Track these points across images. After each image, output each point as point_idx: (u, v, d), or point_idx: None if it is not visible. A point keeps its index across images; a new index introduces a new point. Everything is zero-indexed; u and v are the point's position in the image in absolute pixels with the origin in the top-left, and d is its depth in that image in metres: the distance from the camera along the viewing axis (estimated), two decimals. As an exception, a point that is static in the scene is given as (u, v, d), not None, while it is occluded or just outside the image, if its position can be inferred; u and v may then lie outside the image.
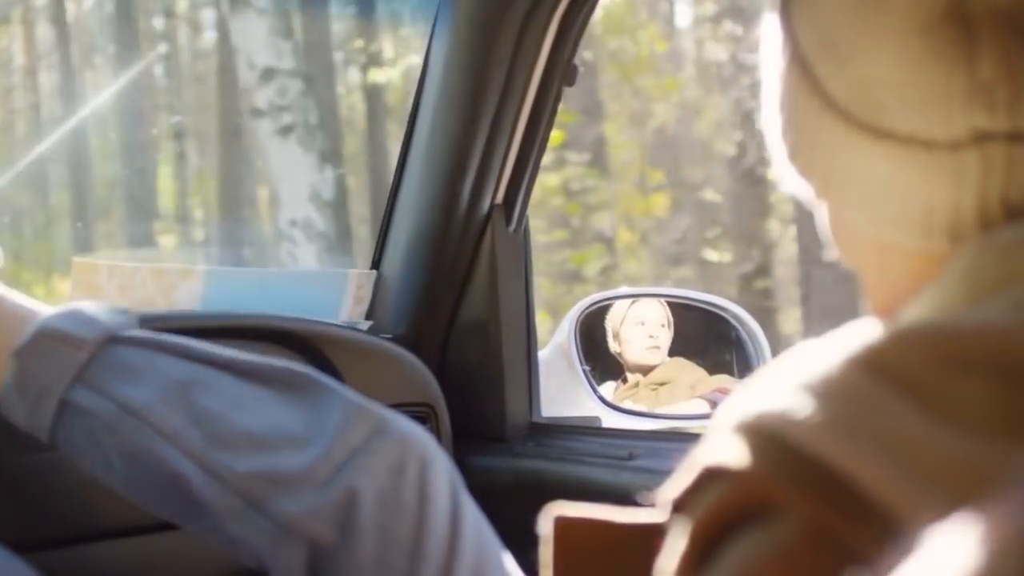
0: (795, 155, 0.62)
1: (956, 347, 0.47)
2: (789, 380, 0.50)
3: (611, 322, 1.91)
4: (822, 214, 0.65)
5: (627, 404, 1.83)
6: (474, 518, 1.00)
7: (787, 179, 0.64)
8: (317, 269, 1.44)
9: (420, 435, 1.00)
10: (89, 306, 1.04)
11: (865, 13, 0.56)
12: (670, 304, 1.91)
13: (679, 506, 0.51)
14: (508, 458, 1.49)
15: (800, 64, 0.59)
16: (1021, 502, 0.35)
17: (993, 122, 0.53)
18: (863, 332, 0.50)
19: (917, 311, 0.54)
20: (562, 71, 1.46)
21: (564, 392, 1.74)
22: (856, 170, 0.57)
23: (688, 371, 1.91)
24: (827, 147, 0.59)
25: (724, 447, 0.49)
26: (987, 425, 0.44)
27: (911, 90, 0.54)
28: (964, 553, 0.36)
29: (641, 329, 1.89)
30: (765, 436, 0.48)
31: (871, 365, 0.48)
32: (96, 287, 1.41)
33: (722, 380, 1.88)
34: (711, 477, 0.50)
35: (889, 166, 0.56)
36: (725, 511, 0.48)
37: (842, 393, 0.48)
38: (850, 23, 0.57)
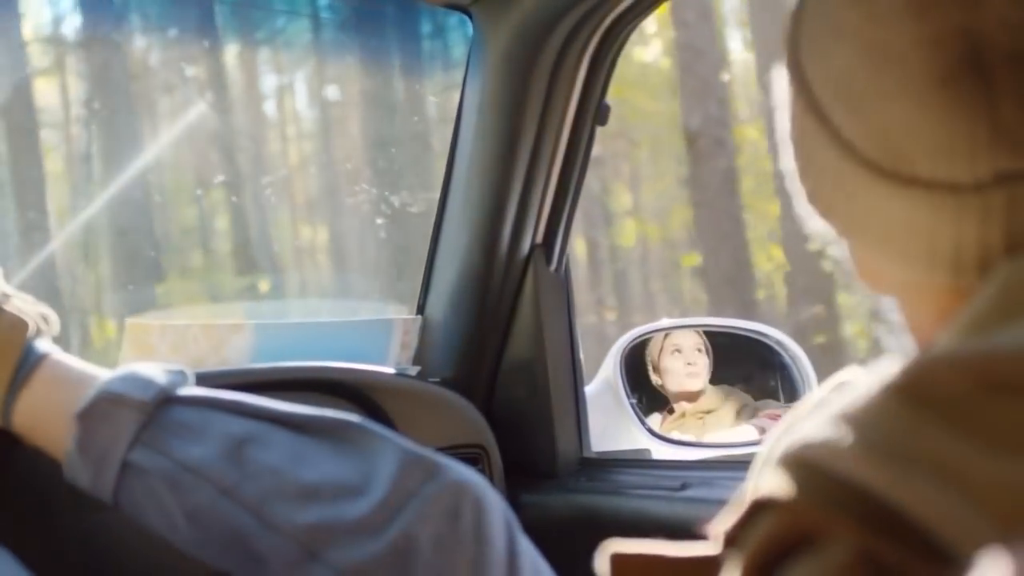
0: (815, 198, 0.63)
1: (993, 371, 0.48)
2: (831, 410, 0.51)
3: (650, 355, 1.93)
4: (844, 250, 0.67)
5: (675, 435, 1.84)
6: (531, 558, 1.01)
7: (808, 218, 0.66)
8: (363, 318, 1.46)
9: (474, 479, 1.01)
10: (145, 367, 1.07)
11: (881, 65, 0.57)
12: (712, 334, 1.92)
13: (731, 539, 0.53)
14: (560, 494, 1.50)
15: (816, 112, 0.61)
16: None
17: (1017, 162, 0.54)
18: (900, 360, 0.52)
19: (950, 337, 0.55)
20: (594, 111, 1.49)
21: (613, 426, 1.75)
22: (879, 214, 0.59)
23: (734, 398, 1.92)
24: (848, 192, 0.60)
25: (771, 480, 0.51)
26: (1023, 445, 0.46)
27: (933, 137, 0.55)
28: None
29: (678, 356, 1.91)
30: (810, 467, 0.49)
31: (910, 392, 0.49)
32: (149, 347, 1.44)
33: (769, 406, 1.89)
34: (760, 510, 0.51)
35: (912, 210, 0.57)
36: (775, 543, 0.50)
37: (881, 421, 0.49)
38: (866, 75, 0.58)
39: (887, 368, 0.52)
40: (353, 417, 1.04)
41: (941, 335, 0.56)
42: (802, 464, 0.50)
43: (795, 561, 0.49)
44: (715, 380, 1.93)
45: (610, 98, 1.48)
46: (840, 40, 0.59)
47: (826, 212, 0.63)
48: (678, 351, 1.91)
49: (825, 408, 0.52)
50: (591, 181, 9.70)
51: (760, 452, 0.58)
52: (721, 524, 0.54)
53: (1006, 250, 0.55)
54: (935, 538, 0.44)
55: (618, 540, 0.64)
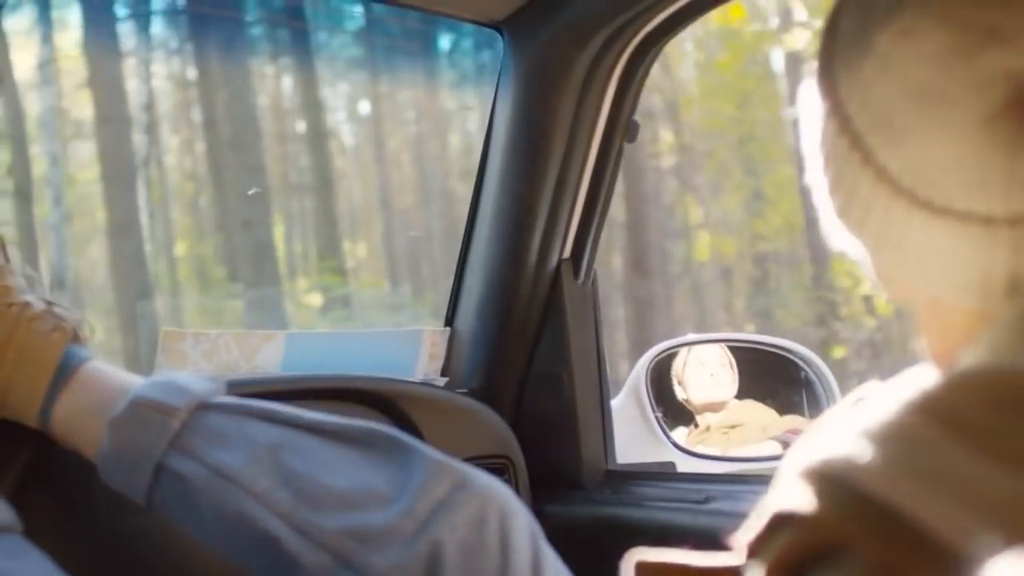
0: (845, 214, 0.64)
1: (1013, 391, 0.50)
2: (852, 426, 0.53)
3: (675, 370, 1.94)
4: (871, 265, 0.68)
5: (700, 448, 1.85)
6: (555, 568, 1.02)
7: (835, 233, 0.67)
8: (393, 329, 1.48)
9: (500, 488, 1.03)
10: (180, 375, 1.09)
11: (925, 102, 0.58)
12: (737, 349, 1.93)
13: (753, 551, 0.54)
14: (586, 505, 1.52)
15: (850, 136, 0.62)
16: None
17: None
18: (921, 378, 0.53)
19: (973, 357, 0.56)
20: (623, 127, 1.50)
21: (639, 439, 1.76)
22: (910, 238, 0.60)
23: (759, 413, 1.92)
24: (880, 215, 0.61)
25: (793, 493, 0.52)
26: None
27: (971, 173, 0.57)
28: None
29: (702, 370, 1.92)
30: (831, 481, 0.51)
31: (930, 411, 0.50)
32: (183, 354, 1.46)
33: (794, 421, 1.89)
34: (781, 522, 0.52)
35: (945, 237, 0.58)
36: (796, 554, 0.51)
37: (903, 438, 0.50)
38: (907, 109, 0.59)
39: (907, 385, 0.53)
40: (382, 426, 1.06)
41: (965, 356, 0.57)
42: (824, 478, 0.51)
43: (815, 574, 0.50)
44: (741, 395, 1.93)
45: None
46: (884, 73, 0.60)
47: (856, 229, 0.64)
48: (703, 364, 1.92)
49: (846, 423, 0.53)
50: (665, 192, 9.65)
51: (782, 466, 0.59)
52: (744, 535, 0.55)
53: None
54: (954, 554, 0.45)
55: (642, 549, 0.66)
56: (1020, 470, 0.47)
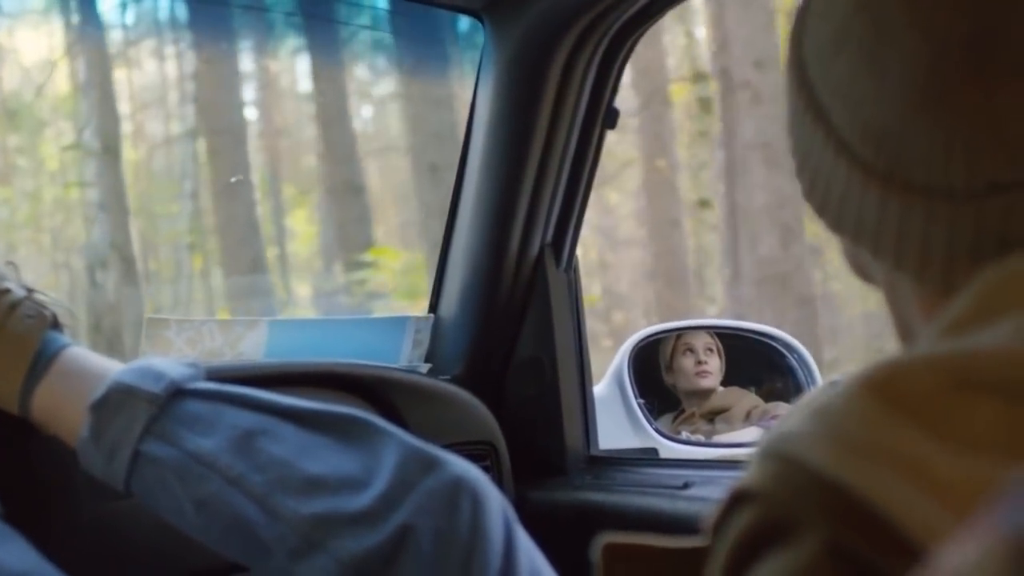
0: (810, 195, 0.65)
1: (965, 372, 0.50)
2: (808, 405, 0.53)
3: (662, 355, 1.95)
4: (839, 244, 0.68)
5: (684, 435, 1.86)
6: (528, 552, 1.03)
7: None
8: (377, 316, 1.48)
9: (473, 473, 1.03)
10: (158, 361, 1.10)
11: (883, 72, 0.58)
12: (722, 335, 1.94)
13: (715, 529, 0.55)
14: (568, 491, 1.52)
15: (815, 111, 0.62)
16: (1004, 511, 0.38)
17: (1015, 173, 0.55)
18: (876, 360, 0.53)
19: (929, 336, 0.56)
20: (603, 114, 1.51)
21: (622, 425, 1.77)
22: (871, 214, 0.60)
23: (744, 400, 1.93)
24: (841, 191, 0.61)
25: (750, 471, 0.53)
26: (993, 444, 0.47)
27: (931, 145, 0.56)
28: (955, 562, 0.39)
29: (690, 356, 1.93)
30: (784, 459, 0.51)
31: (882, 389, 0.51)
32: (167, 341, 1.46)
33: (778, 407, 1.90)
34: (740, 500, 0.53)
35: (905, 213, 0.58)
36: (753, 532, 0.52)
37: (854, 417, 0.51)
38: (867, 80, 0.59)
39: (863, 368, 0.53)
40: (358, 412, 1.07)
41: (921, 335, 0.58)
42: (777, 456, 0.52)
43: (770, 551, 0.50)
44: (726, 381, 1.94)
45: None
46: (844, 44, 0.60)
47: (819, 209, 0.64)
48: (690, 350, 1.93)
49: (806, 406, 0.54)
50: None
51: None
52: (710, 516, 0.56)
53: (996, 255, 0.56)
54: (901, 531, 0.46)
55: (612, 533, 0.66)
56: (971, 450, 0.47)
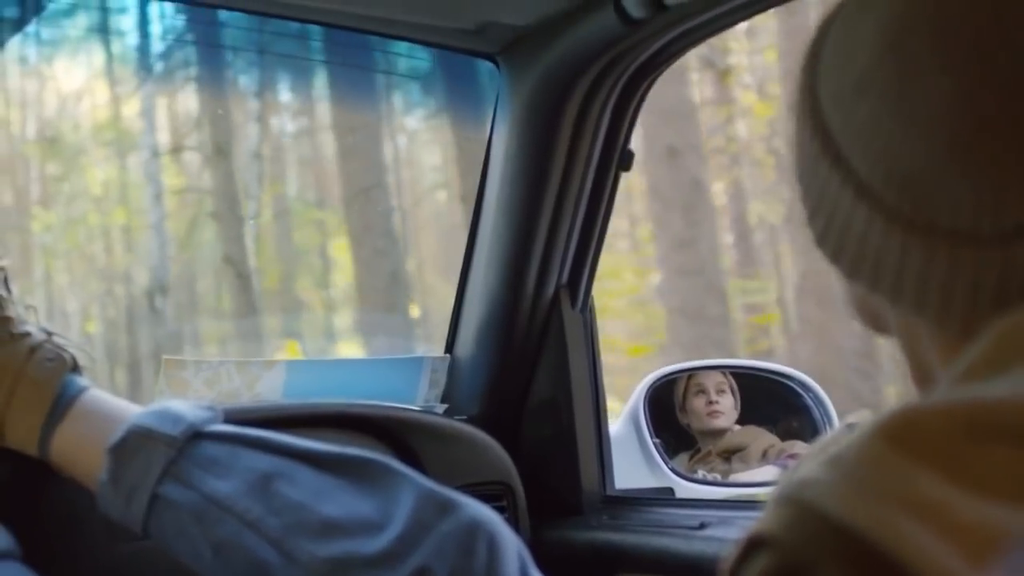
0: (824, 240, 0.65)
1: (980, 420, 0.50)
2: (825, 451, 0.54)
3: (676, 396, 1.95)
4: (847, 291, 0.68)
5: (701, 474, 1.86)
6: None
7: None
8: (394, 356, 1.49)
9: (488, 516, 1.04)
10: (176, 403, 1.10)
11: (911, 119, 0.58)
12: (737, 375, 1.94)
13: (731, 574, 0.55)
14: (583, 531, 1.52)
15: (833, 155, 0.62)
16: (1008, 563, 0.39)
17: None
18: (892, 407, 0.54)
19: (945, 383, 0.57)
20: (619, 156, 1.52)
21: (638, 465, 1.77)
22: (891, 258, 0.60)
23: (761, 438, 1.93)
24: (859, 235, 0.61)
25: (766, 517, 0.53)
26: (1007, 490, 0.48)
27: (958, 189, 0.56)
28: None
29: (702, 396, 1.92)
30: (801, 506, 0.52)
31: (899, 437, 0.51)
32: (184, 383, 1.47)
33: (794, 446, 1.89)
34: (755, 546, 0.54)
35: (929, 257, 0.58)
36: None
37: (870, 464, 0.51)
38: (893, 126, 0.59)
39: (881, 415, 0.54)
40: (373, 454, 1.07)
41: (938, 382, 0.58)
42: (793, 503, 0.52)
43: None
44: (742, 420, 1.94)
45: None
46: (868, 90, 0.60)
47: (834, 255, 0.64)
48: (702, 391, 1.93)
49: (823, 451, 0.54)
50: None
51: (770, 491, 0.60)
52: (726, 560, 0.56)
53: (1019, 300, 0.56)
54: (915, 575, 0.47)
55: (627, 575, 0.67)
56: (986, 495, 0.48)
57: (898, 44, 0.60)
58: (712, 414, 1.91)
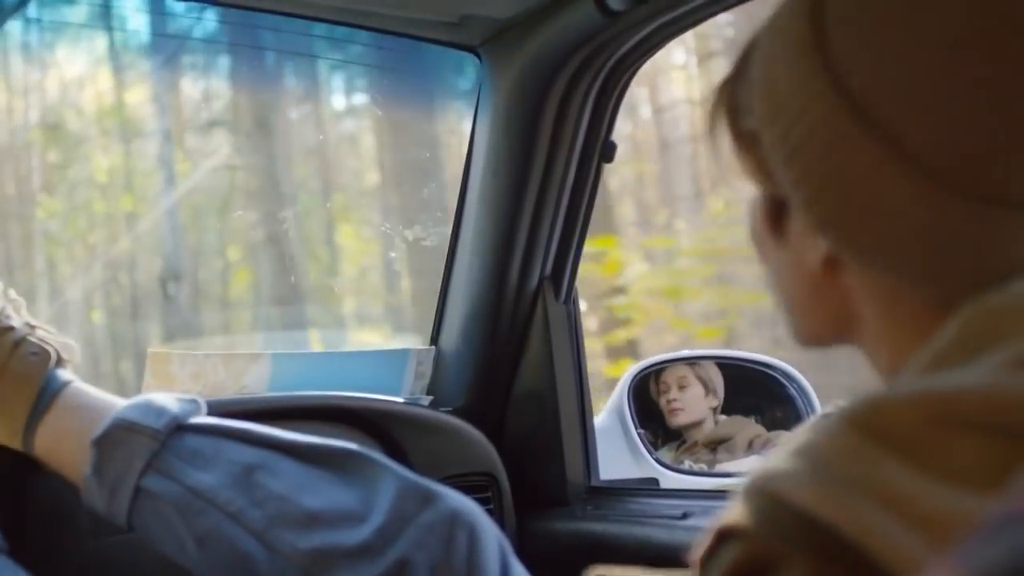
0: (816, 202, 0.61)
1: (948, 407, 0.51)
2: (793, 441, 0.54)
3: (653, 388, 1.94)
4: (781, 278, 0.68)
5: (687, 464, 1.86)
6: None
7: (759, 241, 0.67)
8: (379, 349, 1.49)
9: (469, 507, 1.04)
10: (160, 396, 1.11)
11: (953, 74, 0.56)
12: (721, 366, 1.94)
13: (701, 566, 0.56)
14: (568, 521, 1.53)
15: (862, 118, 0.58)
16: (967, 550, 0.39)
17: None
18: (859, 396, 0.54)
19: (914, 370, 0.57)
20: (600, 148, 1.52)
21: (623, 455, 1.78)
22: (913, 223, 0.58)
23: (747, 428, 1.93)
24: (872, 197, 0.59)
25: (735, 509, 0.54)
26: (974, 479, 0.48)
27: (993, 151, 0.56)
28: None
29: (666, 395, 1.92)
30: (767, 496, 0.52)
31: (864, 426, 0.52)
32: (170, 375, 1.47)
33: (780, 436, 1.90)
34: (724, 538, 0.54)
35: (971, 225, 0.57)
36: (738, 569, 0.52)
37: (835, 453, 0.52)
38: (952, 98, 0.56)
39: (846, 401, 0.54)
40: (355, 446, 1.08)
41: (906, 369, 0.58)
42: (761, 494, 0.53)
43: None
44: (727, 410, 1.94)
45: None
46: (906, 42, 0.58)
47: (830, 216, 0.61)
48: (667, 389, 1.92)
49: (791, 438, 0.55)
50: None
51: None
52: (696, 551, 0.57)
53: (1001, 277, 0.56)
54: (882, 565, 0.47)
55: (601, 566, 0.67)
56: (953, 484, 0.48)
57: None
58: (672, 412, 1.90)
